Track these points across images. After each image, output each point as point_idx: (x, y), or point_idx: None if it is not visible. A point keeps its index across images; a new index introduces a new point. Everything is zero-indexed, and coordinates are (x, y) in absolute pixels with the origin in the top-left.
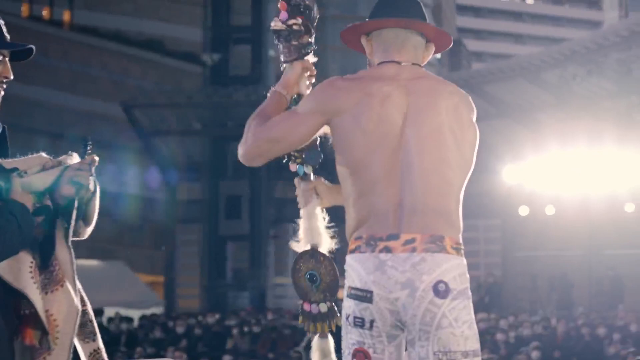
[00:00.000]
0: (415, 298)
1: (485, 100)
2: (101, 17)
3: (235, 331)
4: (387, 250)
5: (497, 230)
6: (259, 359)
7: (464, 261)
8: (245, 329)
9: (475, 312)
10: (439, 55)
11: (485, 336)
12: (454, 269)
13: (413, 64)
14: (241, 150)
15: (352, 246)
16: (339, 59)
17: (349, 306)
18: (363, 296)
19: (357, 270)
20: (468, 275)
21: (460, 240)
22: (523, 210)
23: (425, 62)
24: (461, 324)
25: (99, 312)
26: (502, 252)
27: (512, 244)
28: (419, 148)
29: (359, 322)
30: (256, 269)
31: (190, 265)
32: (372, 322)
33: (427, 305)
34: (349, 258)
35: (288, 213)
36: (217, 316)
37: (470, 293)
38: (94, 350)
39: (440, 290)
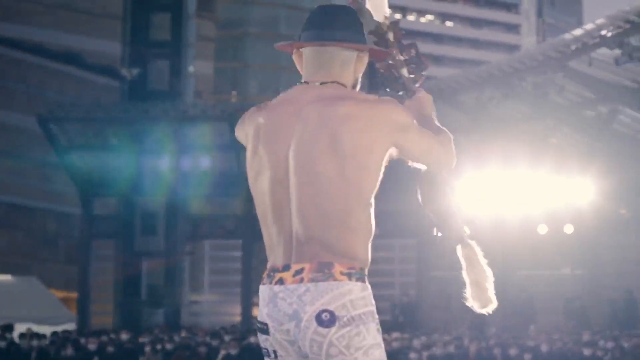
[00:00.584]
0: (300, 329)
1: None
2: (20, 29)
3: (147, 349)
4: (280, 281)
5: (412, 249)
6: None
7: (361, 285)
8: (158, 346)
9: (389, 331)
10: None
11: (399, 356)
12: (343, 295)
13: (324, 82)
14: None
15: (263, 275)
16: (259, 76)
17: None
18: (262, 328)
19: (259, 302)
20: (369, 299)
21: (358, 265)
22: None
23: (359, 73)
24: (354, 350)
25: (9, 328)
26: (417, 271)
27: (428, 263)
28: (299, 180)
29: (266, 353)
30: (171, 286)
31: (105, 282)
32: (275, 352)
33: (312, 335)
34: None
35: (204, 230)
36: (129, 333)
37: (371, 317)
38: None
39: (324, 319)
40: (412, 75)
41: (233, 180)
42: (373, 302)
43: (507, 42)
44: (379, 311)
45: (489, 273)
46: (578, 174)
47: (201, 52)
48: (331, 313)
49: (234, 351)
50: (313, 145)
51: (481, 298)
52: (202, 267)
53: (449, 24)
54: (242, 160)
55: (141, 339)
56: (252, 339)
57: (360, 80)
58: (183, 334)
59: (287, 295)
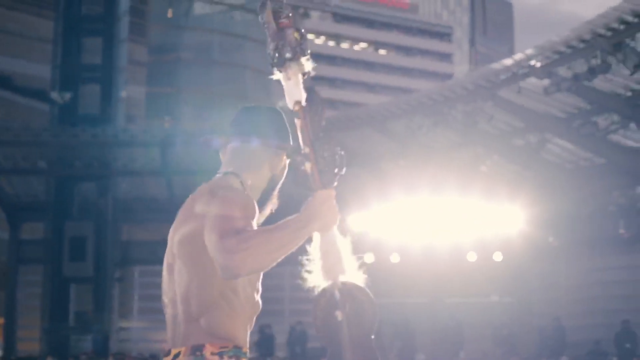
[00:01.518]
0: None
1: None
2: None
3: None
4: None
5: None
6: None
7: None
8: None
9: None
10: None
11: None
12: None
13: (225, 172)
14: None
15: None
16: (192, 101)
17: None
18: None
19: None
20: None
21: (230, 343)
22: (368, 258)
23: (276, 169)
24: None
25: None
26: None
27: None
28: (177, 267)
29: None
30: (100, 312)
31: (32, 307)
32: None
33: None
34: None
35: (133, 255)
36: None
37: None
38: None
39: None
40: (322, 176)
41: (163, 206)
42: None
43: (440, 70)
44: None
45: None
46: (507, 202)
47: (133, 76)
48: None
49: None
50: (181, 235)
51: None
52: (131, 293)
53: (382, 51)
54: (172, 186)
55: None
56: None
57: (282, 175)
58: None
59: None
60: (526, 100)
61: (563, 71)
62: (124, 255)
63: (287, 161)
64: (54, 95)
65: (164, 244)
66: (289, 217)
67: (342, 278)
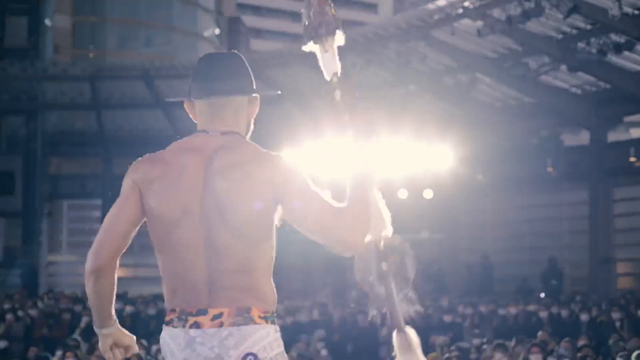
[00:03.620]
0: None
1: (266, 84)
2: None
3: (9, 316)
4: (197, 325)
5: None
6: (35, 344)
7: (274, 327)
8: (20, 313)
9: None
10: (217, 31)
11: None
12: (263, 338)
13: (225, 132)
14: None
15: (167, 318)
16: (118, 31)
17: None
18: None
19: (169, 346)
20: (280, 340)
21: (270, 308)
22: None
23: (252, 116)
24: None
25: None
26: (279, 234)
27: (288, 227)
28: (216, 227)
29: None
30: (29, 247)
31: None
32: None
33: None
34: (163, 331)
35: (62, 189)
36: None
37: (282, 358)
38: None
39: None
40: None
41: (93, 140)
42: (282, 342)
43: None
44: None
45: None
46: (437, 140)
47: (59, 6)
48: (255, 356)
49: None
50: (227, 193)
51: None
52: (60, 227)
53: None
54: (102, 120)
55: (1, 306)
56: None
57: (252, 122)
58: (45, 299)
59: (207, 339)
60: (459, 41)
61: (497, 13)
62: (52, 189)
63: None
64: None
65: (93, 177)
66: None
67: (384, 233)
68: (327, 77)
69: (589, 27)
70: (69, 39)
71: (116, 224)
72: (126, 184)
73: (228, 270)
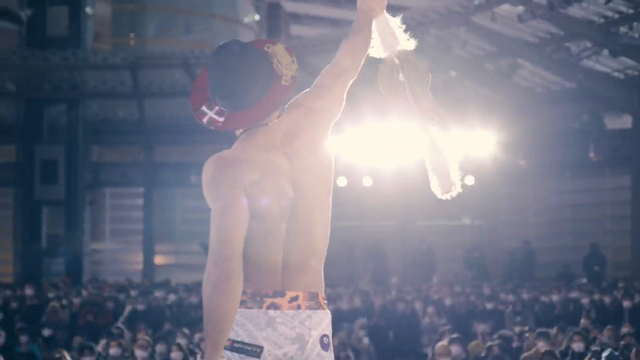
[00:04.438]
0: (305, 351)
1: (307, 72)
2: None
3: (53, 304)
4: (275, 307)
5: None
6: (79, 332)
7: (329, 314)
8: (64, 301)
9: None
10: (257, 17)
11: None
12: (329, 323)
13: (278, 116)
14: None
15: (243, 298)
16: (157, 19)
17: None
18: (251, 350)
19: (243, 325)
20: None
21: (324, 295)
22: (341, 181)
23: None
24: None
25: None
26: None
27: (331, 214)
28: (305, 218)
29: None
30: (72, 235)
31: (4, 230)
32: None
33: (315, 357)
34: None
35: (104, 178)
36: (33, 288)
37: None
38: None
39: (325, 343)
40: None
41: (134, 128)
42: None
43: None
44: None
45: (453, 157)
46: (479, 127)
47: None
48: (328, 338)
49: (140, 307)
50: (314, 183)
51: (443, 183)
52: (103, 215)
53: None
54: (143, 108)
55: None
56: (157, 294)
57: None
58: (89, 287)
59: (287, 320)
60: (499, 26)
61: None
62: (95, 177)
63: None
64: (22, 14)
65: (135, 165)
66: (356, 20)
67: (398, 48)
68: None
69: (631, 11)
70: (108, 27)
71: (237, 230)
72: (228, 189)
73: (306, 255)
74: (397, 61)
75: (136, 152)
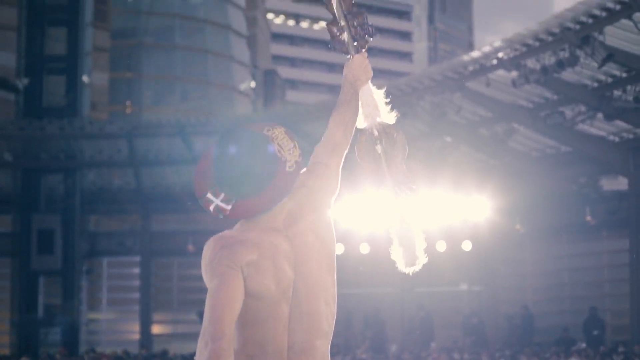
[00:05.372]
0: None
1: (303, 138)
2: None
3: None
4: None
5: None
6: None
7: None
8: None
9: None
10: (253, 84)
11: None
12: None
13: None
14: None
15: None
16: (153, 87)
17: None
18: None
19: None
20: None
21: None
22: (338, 249)
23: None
24: None
25: None
26: None
27: None
28: (308, 298)
29: None
30: (69, 305)
31: (0, 300)
32: None
33: None
34: None
35: (101, 247)
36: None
37: None
38: None
39: None
40: (355, 42)
41: (131, 197)
42: None
43: (400, 49)
44: None
45: (418, 232)
46: (475, 191)
47: (97, 63)
48: None
49: None
50: (315, 263)
51: (407, 257)
52: (99, 284)
53: None
54: (140, 177)
55: None
56: None
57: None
58: (86, 357)
59: None
60: (494, 91)
61: (531, 63)
62: (92, 246)
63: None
64: (18, 83)
65: (131, 234)
66: (342, 90)
67: (378, 120)
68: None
69: (624, 74)
70: (105, 96)
71: (229, 309)
72: (223, 269)
73: (311, 337)
74: (376, 133)
75: (133, 220)
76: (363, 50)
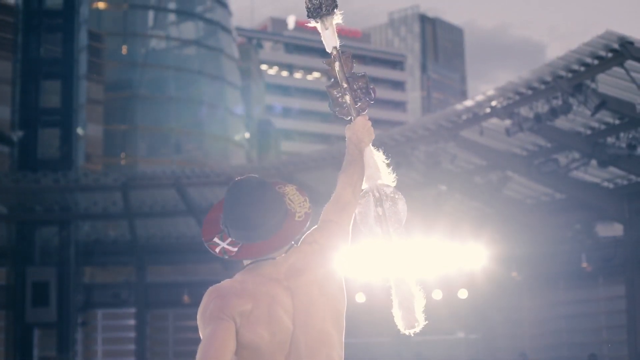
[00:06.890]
0: None
1: None
2: None
3: None
4: None
5: None
6: None
7: None
8: None
9: None
10: (247, 135)
11: None
12: None
13: (285, 252)
14: None
15: None
16: (148, 138)
17: None
18: None
19: None
20: None
21: None
22: None
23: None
24: None
25: None
26: None
27: None
28: (309, 352)
29: None
30: (64, 357)
31: None
32: None
33: None
34: None
35: (96, 299)
36: None
37: None
38: None
39: None
40: (357, 104)
41: (126, 248)
42: None
43: (394, 98)
44: None
45: (417, 293)
46: (470, 239)
47: (91, 115)
48: None
49: None
50: (317, 318)
51: (407, 319)
52: (95, 337)
53: None
54: (134, 228)
55: None
56: None
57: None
58: None
59: None
60: (488, 140)
61: (525, 111)
62: (87, 298)
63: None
64: (13, 136)
65: (126, 286)
66: (347, 151)
67: (380, 182)
68: (328, 50)
69: (617, 121)
70: (100, 148)
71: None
72: (215, 320)
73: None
74: (376, 194)
75: (128, 272)
76: (364, 112)
